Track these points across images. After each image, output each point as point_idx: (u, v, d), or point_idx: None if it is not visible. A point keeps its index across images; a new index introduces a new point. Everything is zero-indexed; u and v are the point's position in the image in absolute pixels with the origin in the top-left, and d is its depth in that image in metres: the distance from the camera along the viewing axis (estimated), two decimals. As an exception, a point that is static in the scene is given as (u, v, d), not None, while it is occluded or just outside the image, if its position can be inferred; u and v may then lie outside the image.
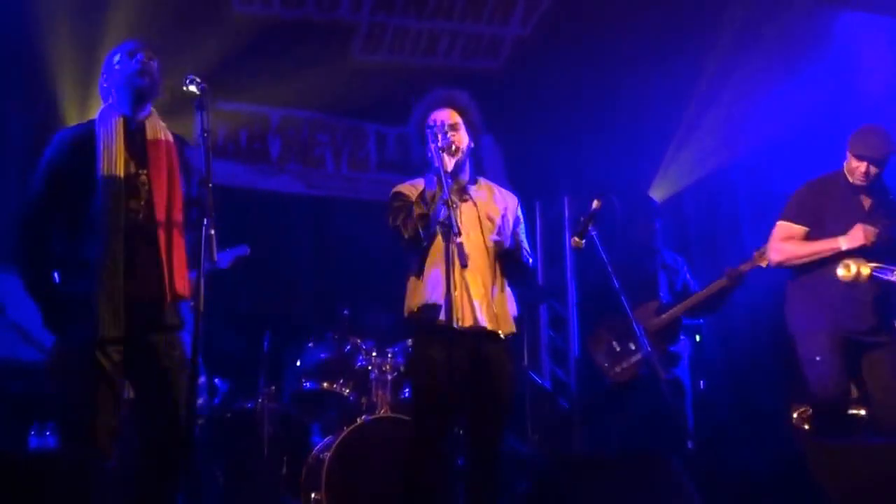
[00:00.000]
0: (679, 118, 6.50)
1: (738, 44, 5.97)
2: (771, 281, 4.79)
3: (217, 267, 4.94)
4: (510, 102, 6.61)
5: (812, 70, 5.83)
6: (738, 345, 5.96)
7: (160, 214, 3.04)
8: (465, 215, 3.47)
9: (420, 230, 3.35)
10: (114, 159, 3.05)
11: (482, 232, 3.49)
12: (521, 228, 3.68)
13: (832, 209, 4.29)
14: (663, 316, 4.97)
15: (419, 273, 3.46)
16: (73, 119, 5.53)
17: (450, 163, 3.40)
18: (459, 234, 3.23)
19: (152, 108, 3.21)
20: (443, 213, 3.33)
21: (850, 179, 4.29)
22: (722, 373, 5.93)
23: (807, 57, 5.84)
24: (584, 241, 3.64)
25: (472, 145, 3.58)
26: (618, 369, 4.99)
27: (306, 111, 6.62)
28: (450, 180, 3.37)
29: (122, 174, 3.04)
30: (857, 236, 4.14)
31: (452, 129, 3.49)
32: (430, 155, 3.46)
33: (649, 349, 3.76)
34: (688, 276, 5.21)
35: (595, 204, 3.66)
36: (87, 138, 3.11)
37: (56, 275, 3.06)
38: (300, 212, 6.57)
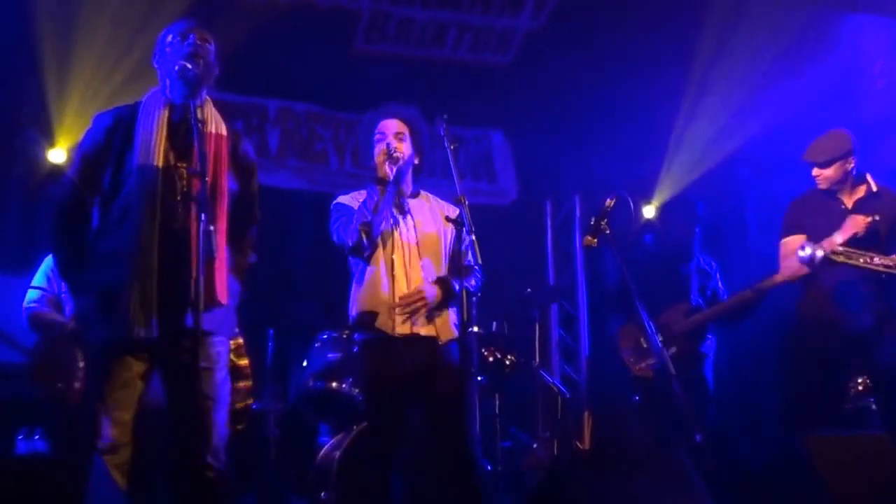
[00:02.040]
0: (689, 115, 6.45)
1: (748, 42, 5.95)
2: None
3: None
4: (520, 98, 6.57)
5: (818, 70, 5.87)
6: (744, 340, 5.92)
7: (197, 210, 2.86)
8: (403, 227, 3.58)
9: (363, 239, 3.43)
10: (151, 148, 2.90)
11: (418, 244, 3.58)
12: (465, 240, 3.65)
13: (815, 216, 4.44)
14: (691, 319, 5.05)
15: (360, 281, 3.55)
16: (49, 113, 5.52)
17: (391, 171, 3.48)
18: (471, 231, 3.34)
19: (206, 97, 3.04)
20: (386, 221, 3.48)
21: (819, 187, 4.47)
22: (727, 369, 5.89)
23: (813, 57, 5.88)
24: (596, 239, 3.61)
25: (417, 161, 3.68)
26: (643, 364, 5.10)
27: (306, 103, 6.55)
28: (393, 188, 3.48)
29: (159, 164, 2.89)
30: (848, 227, 4.29)
31: (397, 139, 3.59)
32: (373, 162, 3.58)
33: (659, 346, 3.78)
34: (719, 283, 5.26)
35: (608, 202, 3.64)
36: (127, 122, 2.97)
37: (91, 266, 2.96)
38: (302, 209, 6.49)
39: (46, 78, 5.34)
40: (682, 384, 3.62)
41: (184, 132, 2.97)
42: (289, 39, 5.75)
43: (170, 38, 3.04)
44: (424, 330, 3.49)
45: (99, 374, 2.92)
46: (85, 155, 2.99)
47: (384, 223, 3.47)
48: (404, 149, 3.58)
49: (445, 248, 3.64)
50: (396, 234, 3.54)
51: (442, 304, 3.53)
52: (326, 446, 4.78)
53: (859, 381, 4.91)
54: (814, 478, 3.02)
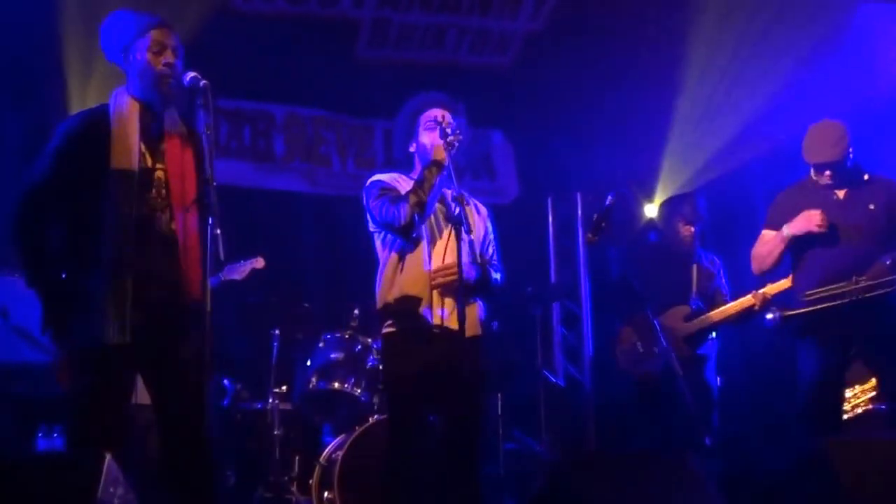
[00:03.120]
0: (693, 113, 6.44)
1: (753, 35, 5.90)
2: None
3: (231, 279, 4.97)
4: (520, 98, 6.59)
5: (831, 65, 5.78)
6: (755, 341, 5.91)
7: (177, 211, 2.92)
8: (441, 215, 3.52)
9: (416, 217, 3.35)
10: (129, 150, 2.91)
11: (458, 233, 3.46)
12: (492, 238, 3.69)
13: (806, 208, 4.25)
14: (691, 323, 4.97)
15: (399, 265, 3.46)
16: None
17: (448, 156, 3.43)
18: (471, 230, 3.26)
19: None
20: (450, 208, 3.39)
21: (820, 182, 4.30)
22: (740, 370, 5.88)
23: (824, 47, 5.78)
24: (597, 237, 3.59)
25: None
26: (643, 369, 5.00)
27: (311, 109, 6.61)
28: (447, 173, 3.41)
29: (136, 167, 2.90)
30: (799, 222, 4.18)
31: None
32: (427, 148, 3.47)
33: (667, 346, 3.73)
34: (723, 280, 5.17)
35: (609, 200, 3.62)
36: (99, 125, 2.94)
37: (62, 268, 2.93)
38: (306, 211, 6.54)
39: (68, 80, 5.37)
40: (688, 386, 3.58)
41: (156, 134, 2.99)
42: (294, 48, 5.81)
43: (139, 43, 2.98)
44: (450, 322, 3.38)
45: (89, 377, 2.90)
46: (59, 157, 2.94)
47: (431, 210, 3.41)
48: (457, 140, 3.49)
49: (481, 241, 3.60)
50: (439, 219, 3.50)
51: (476, 288, 3.46)
52: (330, 446, 4.82)
53: (866, 386, 4.87)
54: (832, 483, 2.98)
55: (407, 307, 3.40)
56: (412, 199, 3.36)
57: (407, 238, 3.43)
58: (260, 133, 6.41)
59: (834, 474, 2.93)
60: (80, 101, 5.31)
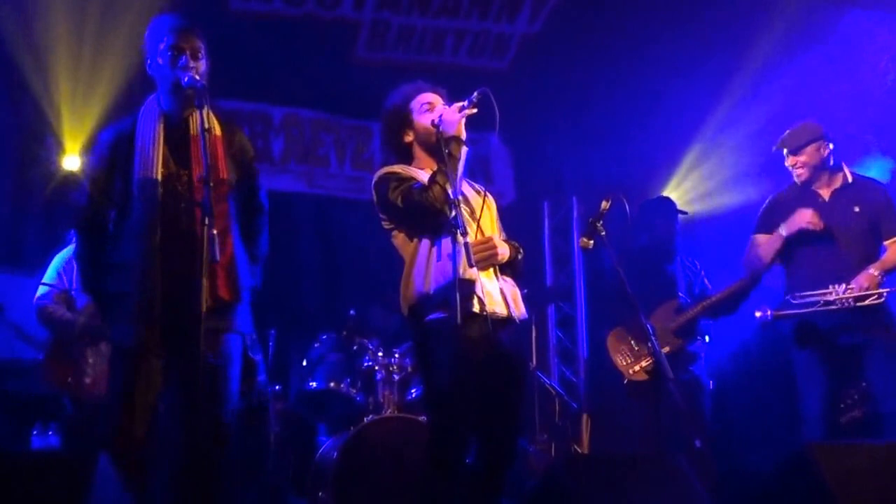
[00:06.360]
0: (690, 120, 6.45)
1: (746, 41, 5.92)
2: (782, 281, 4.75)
3: None
4: (517, 102, 6.56)
5: (820, 66, 5.78)
6: (746, 343, 5.93)
7: (200, 214, 2.88)
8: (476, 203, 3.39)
9: (451, 196, 3.12)
10: (150, 159, 2.97)
11: (480, 216, 3.35)
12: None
13: (791, 212, 4.33)
14: (682, 315, 4.99)
15: (435, 253, 3.21)
16: (62, 122, 5.60)
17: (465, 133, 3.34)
18: (465, 234, 3.08)
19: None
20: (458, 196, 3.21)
21: (796, 180, 4.40)
22: (730, 373, 5.90)
23: (814, 53, 5.79)
24: (592, 241, 3.60)
25: None
26: (637, 368, 5.01)
27: (309, 110, 6.63)
28: (469, 150, 3.33)
29: (158, 176, 2.97)
30: (794, 221, 4.27)
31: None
32: (448, 124, 3.30)
33: (658, 349, 3.75)
34: (705, 281, 5.21)
35: (604, 204, 3.63)
36: (126, 137, 3.03)
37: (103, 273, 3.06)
38: (304, 211, 6.56)
39: (49, 84, 5.42)
40: (678, 386, 3.60)
41: (182, 139, 3.03)
42: (294, 49, 5.84)
43: (162, 46, 3.01)
44: (500, 308, 3.22)
45: (119, 375, 3.00)
46: (94, 173, 3.08)
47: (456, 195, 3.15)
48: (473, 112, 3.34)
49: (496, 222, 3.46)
50: (469, 201, 3.36)
51: (510, 267, 3.32)
52: (324, 446, 4.84)
53: (853, 391, 4.90)
54: (820, 487, 3.00)
55: (452, 293, 3.04)
56: (441, 179, 3.16)
57: (445, 219, 3.14)
58: (258, 134, 6.43)
59: (821, 477, 2.95)
60: (72, 104, 5.35)
